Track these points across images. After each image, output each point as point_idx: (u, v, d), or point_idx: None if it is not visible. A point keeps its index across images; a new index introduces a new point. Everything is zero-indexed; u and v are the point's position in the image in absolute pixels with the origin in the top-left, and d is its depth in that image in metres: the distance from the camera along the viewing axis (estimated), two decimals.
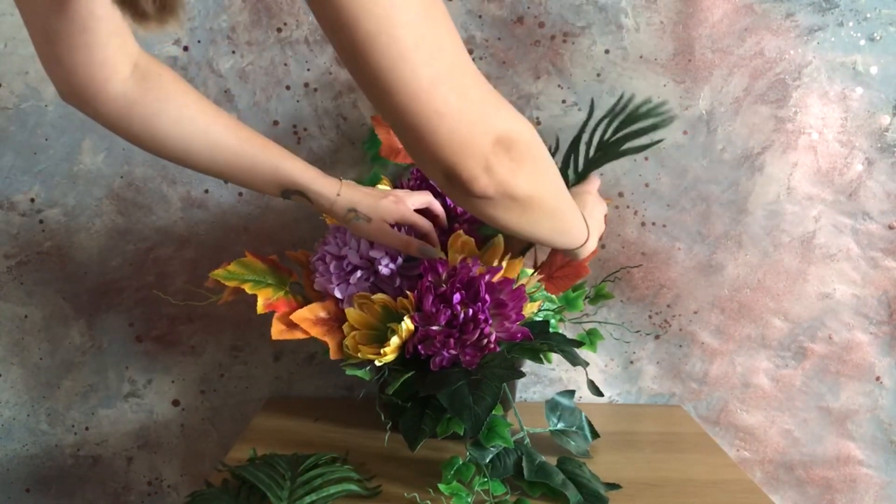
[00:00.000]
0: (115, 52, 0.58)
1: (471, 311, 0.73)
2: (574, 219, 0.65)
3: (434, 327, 0.73)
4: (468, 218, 0.84)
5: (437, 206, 0.82)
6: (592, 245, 0.74)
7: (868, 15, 0.95)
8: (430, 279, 0.76)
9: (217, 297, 0.83)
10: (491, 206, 0.52)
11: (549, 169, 0.55)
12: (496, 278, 0.76)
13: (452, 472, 0.73)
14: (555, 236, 0.63)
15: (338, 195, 0.70)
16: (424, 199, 0.80)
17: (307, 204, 0.70)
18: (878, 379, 1.05)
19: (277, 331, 0.77)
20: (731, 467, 0.85)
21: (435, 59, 0.44)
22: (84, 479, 1.08)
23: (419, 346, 0.74)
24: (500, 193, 0.50)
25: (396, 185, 0.90)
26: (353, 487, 0.72)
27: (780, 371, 1.05)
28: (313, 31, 0.96)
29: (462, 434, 0.77)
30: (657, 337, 1.05)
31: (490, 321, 0.73)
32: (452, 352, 0.73)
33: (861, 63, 0.96)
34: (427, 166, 0.49)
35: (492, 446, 0.74)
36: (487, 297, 0.74)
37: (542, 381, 1.06)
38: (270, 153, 0.67)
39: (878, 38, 0.96)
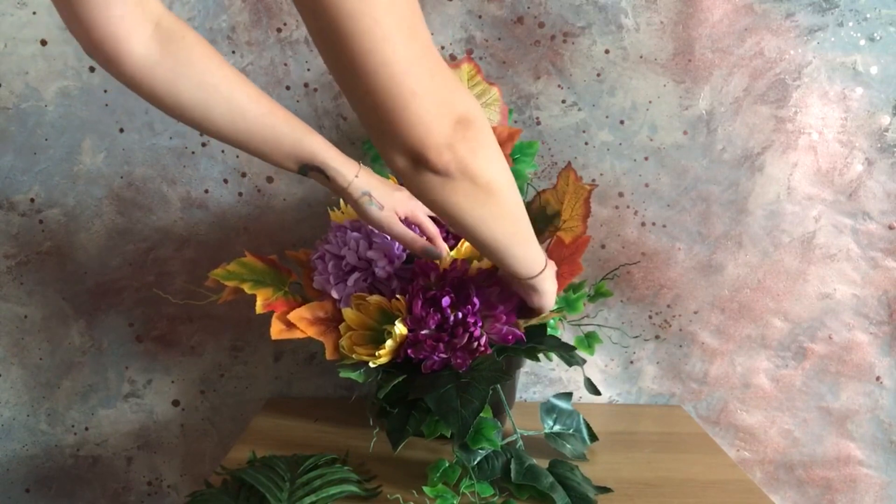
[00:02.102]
0: (134, 8, 0.57)
1: (460, 314, 0.72)
2: (532, 236, 0.65)
3: (424, 331, 0.73)
4: None
5: None
6: (549, 289, 0.72)
7: (868, 15, 0.95)
8: (420, 282, 0.75)
9: (217, 296, 0.83)
10: (451, 187, 0.52)
11: (502, 158, 0.56)
12: (487, 280, 0.76)
13: (438, 475, 0.73)
14: (514, 244, 0.63)
15: (356, 176, 0.69)
16: None
17: (324, 181, 0.69)
18: (878, 379, 1.04)
19: (277, 330, 0.77)
20: (731, 467, 0.85)
21: (411, 40, 0.45)
22: (84, 479, 1.08)
23: (409, 350, 0.73)
24: (460, 171, 0.51)
25: (401, 184, 0.90)
26: (353, 488, 0.72)
27: (780, 371, 1.05)
28: None
29: (449, 436, 0.77)
30: (657, 337, 1.05)
31: (480, 324, 0.73)
32: (443, 355, 0.73)
33: (861, 63, 0.96)
34: (391, 147, 0.49)
35: (479, 448, 0.74)
36: (477, 300, 0.73)
37: (542, 381, 1.06)
38: (293, 126, 0.66)
39: (878, 38, 0.96)
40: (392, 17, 0.43)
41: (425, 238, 0.77)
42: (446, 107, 0.48)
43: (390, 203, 0.72)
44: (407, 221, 0.75)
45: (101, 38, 0.57)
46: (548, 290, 0.73)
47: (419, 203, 0.76)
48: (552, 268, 0.74)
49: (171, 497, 1.09)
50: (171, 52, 0.60)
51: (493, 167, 0.54)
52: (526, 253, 0.66)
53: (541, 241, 0.84)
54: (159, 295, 1.03)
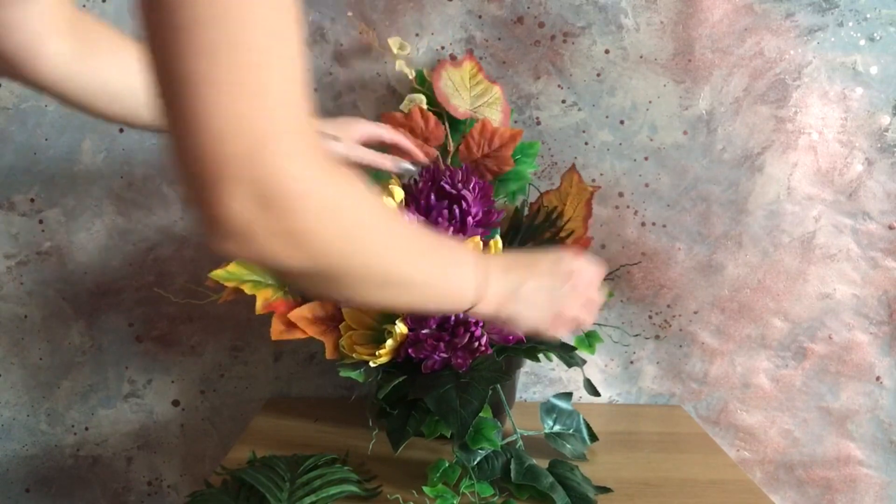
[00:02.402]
0: (50, 5, 0.55)
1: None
2: (428, 272, 0.47)
3: (424, 330, 0.73)
4: (481, 222, 0.81)
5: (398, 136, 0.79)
6: (510, 313, 0.56)
7: (868, 15, 0.95)
8: None
9: (217, 296, 0.83)
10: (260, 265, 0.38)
11: (369, 232, 0.40)
12: None
13: (438, 475, 0.73)
14: (396, 305, 0.49)
15: None
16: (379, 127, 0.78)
17: None
18: (878, 379, 1.04)
19: (277, 331, 0.77)
20: (731, 467, 0.85)
21: (221, 55, 0.32)
22: (84, 479, 1.08)
23: (410, 350, 0.73)
24: (266, 263, 0.37)
25: (403, 184, 0.90)
26: (353, 488, 0.72)
27: (780, 371, 1.05)
28: (313, 31, 0.96)
29: (449, 437, 0.77)
30: (657, 337, 1.05)
31: (481, 323, 0.73)
32: (443, 355, 0.72)
33: (861, 63, 0.96)
34: (178, 180, 0.36)
35: (479, 448, 0.74)
36: None
37: (542, 381, 1.06)
38: None
39: (878, 38, 0.96)
40: (207, 8, 0.31)
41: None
42: (250, 170, 0.33)
43: (345, 133, 0.72)
44: (370, 143, 0.73)
45: (21, 38, 0.54)
46: (510, 316, 0.56)
47: (374, 124, 0.76)
48: (511, 284, 0.56)
49: (171, 497, 1.09)
50: (91, 42, 0.58)
51: (334, 252, 0.38)
52: (428, 296, 0.49)
53: (541, 243, 0.84)
54: (159, 295, 1.02)
